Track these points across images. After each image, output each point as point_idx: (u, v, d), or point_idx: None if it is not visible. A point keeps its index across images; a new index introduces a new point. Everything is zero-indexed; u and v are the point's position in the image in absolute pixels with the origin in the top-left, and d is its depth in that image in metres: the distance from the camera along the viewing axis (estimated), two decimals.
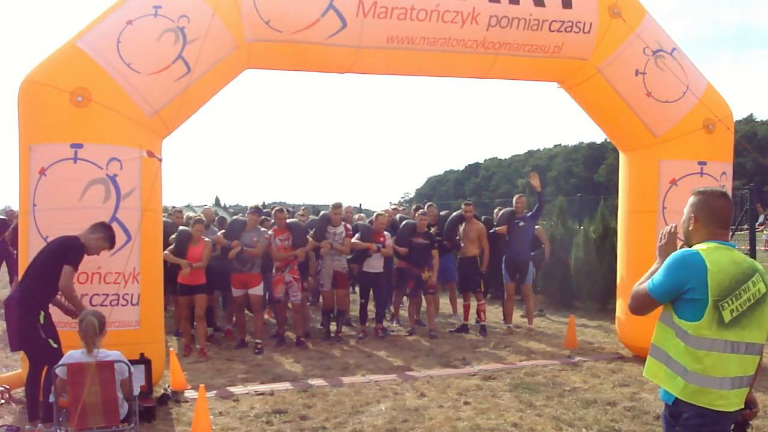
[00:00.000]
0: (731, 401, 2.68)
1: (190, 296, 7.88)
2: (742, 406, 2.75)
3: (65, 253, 5.19)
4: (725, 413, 2.68)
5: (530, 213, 9.40)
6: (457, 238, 9.48)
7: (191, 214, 11.53)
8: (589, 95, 7.61)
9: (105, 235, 5.45)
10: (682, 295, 2.68)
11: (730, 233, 2.92)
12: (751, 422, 2.89)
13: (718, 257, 2.68)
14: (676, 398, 2.69)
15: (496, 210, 10.87)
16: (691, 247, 2.81)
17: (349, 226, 9.11)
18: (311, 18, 6.33)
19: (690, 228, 2.88)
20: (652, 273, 2.82)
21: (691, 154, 7.25)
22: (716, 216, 2.81)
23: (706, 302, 2.62)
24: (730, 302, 2.64)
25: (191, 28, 6.00)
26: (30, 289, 5.11)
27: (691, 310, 2.65)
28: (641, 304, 2.82)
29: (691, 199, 2.90)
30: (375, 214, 9.46)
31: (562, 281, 11.61)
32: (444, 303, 10.94)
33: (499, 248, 9.55)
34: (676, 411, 2.71)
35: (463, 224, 9.46)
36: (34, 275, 5.18)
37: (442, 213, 10.63)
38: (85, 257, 5.34)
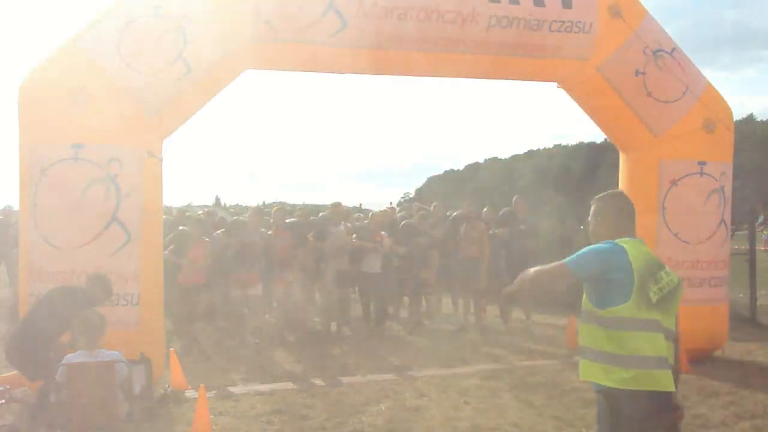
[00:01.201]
0: (664, 380, 2.72)
1: (190, 296, 7.88)
2: (673, 389, 2.78)
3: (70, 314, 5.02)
4: (657, 393, 2.70)
5: (533, 220, 9.39)
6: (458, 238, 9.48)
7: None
8: (589, 95, 7.60)
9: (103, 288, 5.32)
10: (605, 281, 2.74)
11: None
12: (679, 426, 2.90)
13: (632, 245, 2.84)
14: (618, 388, 2.71)
15: (484, 210, 10.60)
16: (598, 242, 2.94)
17: (348, 225, 9.12)
18: (311, 18, 6.33)
19: (600, 232, 3.00)
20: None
21: (690, 154, 7.25)
22: (620, 214, 2.99)
23: (632, 283, 2.71)
24: (653, 284, 2.76)
25: (191, 28, 6.00)
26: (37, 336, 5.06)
27: (619, 294, 2.72)
28: (547, 277, 2.77)
29: (593, 208, 3.05)
30: (372, 213, 9.46)
31: None
32: (445, 303, 10.93)
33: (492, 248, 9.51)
34: (617, 402, 2.72)
35: (464, 224, 9.46)
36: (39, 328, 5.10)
37: (448, 213, 10.57)
38: (85, 258, 5.34)
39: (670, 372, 2.75)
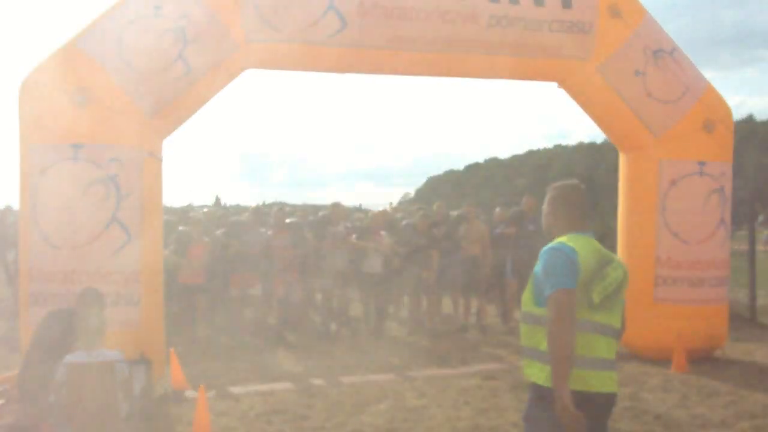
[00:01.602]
0: (604, 382, 2.69)
1: (190, 296, 7.88)
2: (616, 390, 2.76)
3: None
4: (599, 394, 2.67)
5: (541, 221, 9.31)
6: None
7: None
8: (589, 95, 7.60)
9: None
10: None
11: (587, 224, 2.97)
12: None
13: (581, 243, 2.79)
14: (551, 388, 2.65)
15: (497, 210, 10.68)
16: (552, 237, 2.91)
17: (348, 225, 9.12)
18: (311, 18, 6.33)
19: (551, 222, 2.98)
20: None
21: (690, 154, 7.25)
22: (573, 207, 2.93)
23: (575, 285, 2.67)
24: (597, 284, 2.72)
25: (191, 28, 6.01)
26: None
27: None
28: (563, 307, 2.59)
29: (548, 195, 3.00)
30: (371, 213, 9.47)
31: None
32: (445, 303, 10.92)
33: (500, 248, 9.50)
34: (546, 392, 2.67)
35: (464, 224, 9.45)
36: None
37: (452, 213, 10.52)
38: (85, 258, 5.33)
39: (610, 373, 2.72)
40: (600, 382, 2.69)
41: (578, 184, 3.01)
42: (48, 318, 5.02)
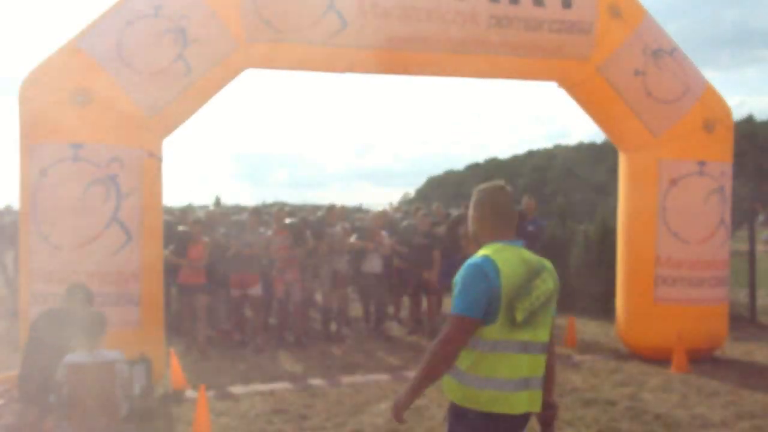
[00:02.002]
0: (519, 403, 2.58)
1: (190, 296, 7.88)
2: (535, 409, 2.66)
3: None
4: (511, 416, 2.58)
5: (542, 221, 9.36)
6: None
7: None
8: (589, 95, 7.61)
9: None
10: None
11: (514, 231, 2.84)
12: (553, 424, 2.84)
13: (506, 257, 2.63)
14: (472, 409, 2.57)
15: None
16: (480, 246, 2.74)
17: (347, 225, 9.12)
18: (311, 18, 6.33)
19: (477, 228, 2.81)
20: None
21: (690, 154, 7.25)
22: (498, 212, 2.76)
23: (499, 303, 2.53)
24: (522, 301, 2.58)
25: (191, 28, 6.01)
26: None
27: (486, 315, 2.54)
28: (457, 335, 2.52)
29: (474, 199, 2.82)
30: (372, 214, 9.47)
31: (562, 281, 11.54)
32: (445, 303, 10.93)
33: None
34: (462, 410, 2.60)
35: (464, 224, 9.44)
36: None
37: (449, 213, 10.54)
38: (85, 258, 5.33)
39: (529, 393, 2.62)
40: (523, 403, 2.60)
41: (504, 185, 2.83)
42: (41, 318, 5.03)
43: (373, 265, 8.90)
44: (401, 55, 6.84)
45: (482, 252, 2.65)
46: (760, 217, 20.19)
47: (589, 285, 11.24)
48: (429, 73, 7.58)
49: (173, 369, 6.28)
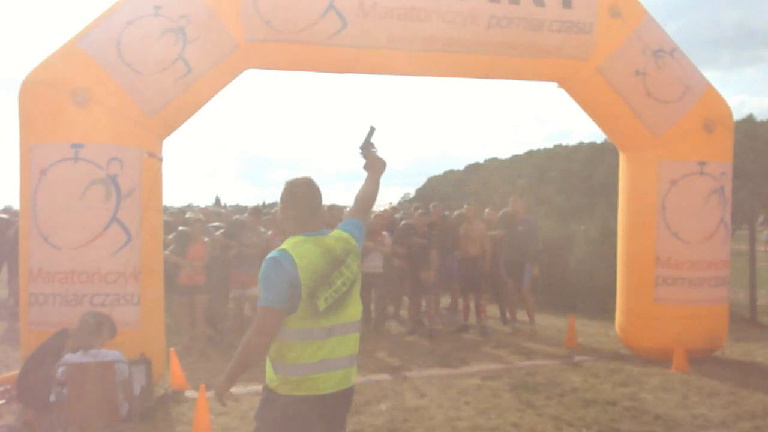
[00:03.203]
0: (326, 384, 2.72)
1: (190, 296, 7.88)
2: (347, 385, 2.81)
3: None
4: (321, 396, 2.72)
5: (532, 220, 9.44)
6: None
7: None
8: (589, 95, 7.61)
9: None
10: None
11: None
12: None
13: (305, 250, 2.73)
14: (284, 394, 2.71)
15: (486, 211, 10.75)
16: (288, 235, 2.86)
17: None
18: (312, 18, 6.33)
19: (282, 220, 2.93)
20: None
21: (690, 154, 7.25)
22: (301, 204, 2.85)
23: (299, 294, 2.65)
24: (323, 291, 2.70)
25: (191, 28, 6.01)
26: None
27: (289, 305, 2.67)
28: (266, 326, 2.65)
29: (282, 190, 2.92)
30: (373, 214, 9.46)
31: (562, 281, 11.62)
32: (444, 303, 10.93)
33: (496, 248, 9.56)
34: (272, 395, 2.75)
35: (464, 224, 9.46)
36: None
37: (447, 213, 10.54)
38: (85, 258, 5.33)
39: (344, 371, 2.77)
40: (332, 383, 2.73)
41: (309, 179, 2.91)
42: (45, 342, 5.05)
43: (375, 265, 8.90)
44: (401, 55, 6.83)
45: (282, 246, 2.77)
46: (760, 217, 20.19)
47: (589, 285, 11.26)
48: (429, 73, 7.57)
49: (173, 369, 6.28)
